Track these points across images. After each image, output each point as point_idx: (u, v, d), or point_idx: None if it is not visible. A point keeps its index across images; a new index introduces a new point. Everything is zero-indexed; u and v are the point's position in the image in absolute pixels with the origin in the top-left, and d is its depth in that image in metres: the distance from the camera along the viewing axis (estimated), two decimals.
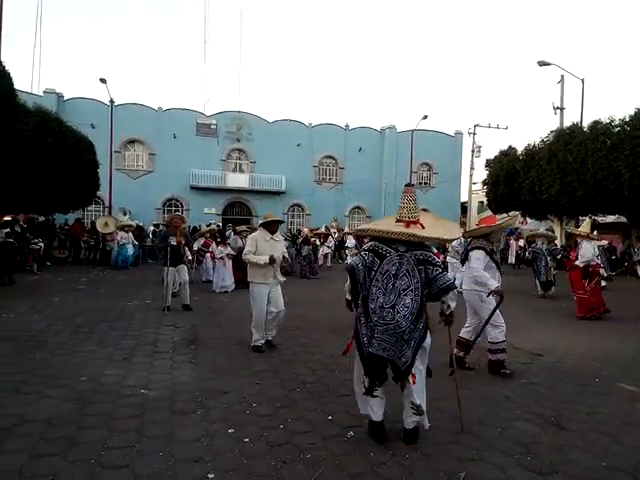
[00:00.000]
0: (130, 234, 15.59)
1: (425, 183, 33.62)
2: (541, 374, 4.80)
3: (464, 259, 4.98)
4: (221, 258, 10.72)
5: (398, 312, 3.02)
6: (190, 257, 11.32)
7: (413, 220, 3.31)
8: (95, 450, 2.94)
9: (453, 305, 3.16)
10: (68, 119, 17.41)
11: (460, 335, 5.00)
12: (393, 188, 31.50)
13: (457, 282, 11.54)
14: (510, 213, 20.29)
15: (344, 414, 3.60)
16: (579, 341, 6.43)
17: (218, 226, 16.21)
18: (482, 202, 30.61)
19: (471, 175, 32.26)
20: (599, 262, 8.99)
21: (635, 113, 15.72)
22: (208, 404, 3.75)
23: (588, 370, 4.98)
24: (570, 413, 3.76)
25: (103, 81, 21.83)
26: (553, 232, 21.57)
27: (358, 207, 32.57)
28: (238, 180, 29.71)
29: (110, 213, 22.54)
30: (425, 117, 28.18)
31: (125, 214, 22.21)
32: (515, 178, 21.61)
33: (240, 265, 10.20)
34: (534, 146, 21.05)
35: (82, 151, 16.47)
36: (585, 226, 8.83)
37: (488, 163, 25.30)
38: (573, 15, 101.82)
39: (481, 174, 28.36)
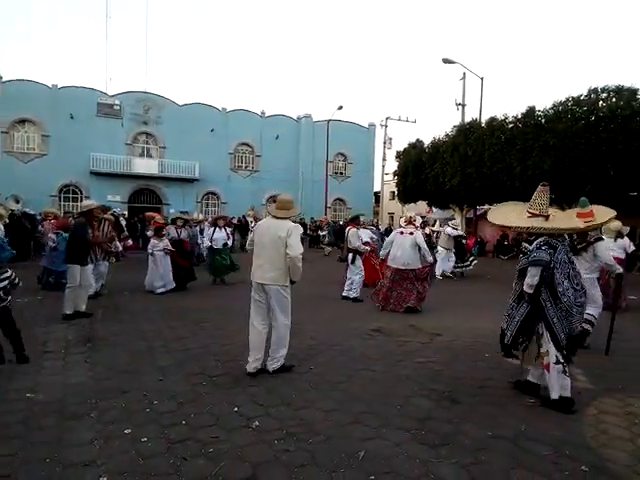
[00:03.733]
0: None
1: (341, 173, 34.36)
2: (438, 352, 5.14)
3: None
4: (152, 254, 8.83)
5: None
6: (120, 250, 10.14)
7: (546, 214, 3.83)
8: None
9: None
10: None
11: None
12: (310, 176, 31.80)
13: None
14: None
15: (251, 404, 3.57)
16: (474, 321, 6.97)
17: (114, 214, 13.99)
18: (393, 191, 32.09)
19: (383, 166, 33.60)
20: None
21: (527, 111, 17.31)
22: (103, 405, 3.51)
23: (480, 347, 5.41)
24: (462, 387, 4.07)
25: None
26: (455, 220, 23.11)
27: (275, 195, 32.35)
28: (146, 166, 28.09)
29: None
30: (340, 108, 28.71)
31: (17, 202, 20.07)
32: (422, 169, 22.86)
33: (178, 261, 9.14)
34: (439, 139, 22.38)
35: None
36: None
37: (398, 155, 26.48)
38: (475, 16, 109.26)
39: (392, 165, 29.59)
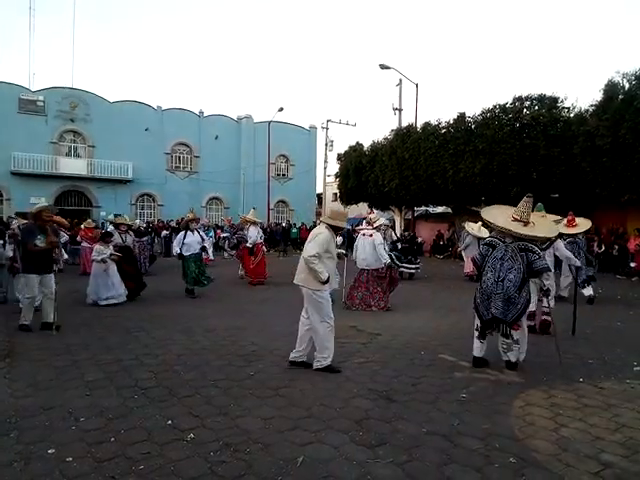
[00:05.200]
0: None
1: (283, 175, 34.27)
2: (377, 352, 5.24)
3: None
4: (103, 261, 7.99)
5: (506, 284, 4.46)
6: (65, 258, 9.22)
7: (526, 221, 4.60)
8: None
9: (547, 283, 5.11)
10: None
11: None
12: (252, 179, 31.42)
13: None
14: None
15: (185, 416, 3.44)
16: (413, 320, 7.19)
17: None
18: (335, 193, 32.46)
19: (325, 168, 33.90)
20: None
21: (457, 117, 18.17)
22: (24, 424, 3.24)
23: (417, 345, 5.58)
24: (399, 386, 4.16)
25: None
26: (394, 221, 23.75)
27: (216, 197, 31.75)
28: (74, 166, 26.42)
29: None
30: (281, 109, 28.61)
31: None
32: (362, 172, 23.33)
33: (125, 269, 8.28)
34: (378, 143, 22.94)
35: None
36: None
37: (339, 157, 26.83)
38: (411, 24, 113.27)
39: (334, 167, 29.94)
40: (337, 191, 29.69)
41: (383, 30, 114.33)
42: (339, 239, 8.75)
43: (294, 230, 26.83)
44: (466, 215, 17.60)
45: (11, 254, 7.80)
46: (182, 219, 21.15)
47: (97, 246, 8.27)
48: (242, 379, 4.28)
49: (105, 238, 8.35)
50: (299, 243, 26.37)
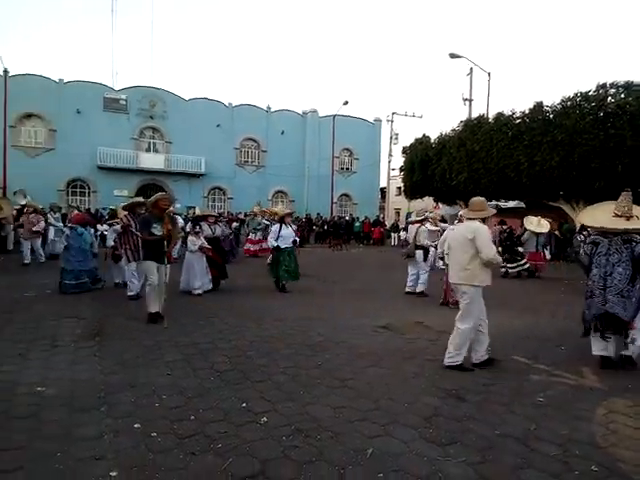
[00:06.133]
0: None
1: (347, 168, 34.29)
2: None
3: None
4: (190, 252, 8.31)
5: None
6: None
7: (629, 215, 4.56)
8: None
9: None
10: None
11: None
12: (316, 172, 31.75)
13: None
14: None
15: (259, 400, 3.58)
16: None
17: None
18: (399, 187, 32.00)
19: (389, 161, 33.45)
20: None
21: (534, 106, 17.15)
22: (112, 399, 3.53)
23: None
24: (470, 385, 4.05)
25: None
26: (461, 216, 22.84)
27: (281, 191, 32.45)
28: (153, 161, 28.20)
29: (5, 194, 20.30)
30: (346, 103, 28.57)
31: (25, 196, 20.14)
32: (428, 165, 22.75)
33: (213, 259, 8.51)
34: (446, 135, 22.24)
35: None
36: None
37: (404, 150, 26.34)
38: (483, 10, 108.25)
39: (399, 160, 29.46)
40: (401, 185, 29.22)
41: (453, 18, 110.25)
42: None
43: (357, 224, 26.79)
44: (541, 210, 16.63)
45: (112, 243, 8.44)
46: (226, 213, 21.95)
47: (190, 237, 8.60)
48: (310, 368, 4.38)
49: (195, 230, 8.57)
50: (362, 237, 26.33)
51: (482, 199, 4.74)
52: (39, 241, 12.58)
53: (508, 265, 11.84)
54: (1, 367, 4.13)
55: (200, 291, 8.18)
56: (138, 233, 7.29)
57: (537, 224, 11.74)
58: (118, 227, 7.84)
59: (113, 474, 2.53)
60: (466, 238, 4.42)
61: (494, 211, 5.12)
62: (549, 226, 12.40)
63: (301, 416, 3.31)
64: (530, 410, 3.57)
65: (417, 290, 8.81)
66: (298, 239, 9.44)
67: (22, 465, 2.57)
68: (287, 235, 8.97)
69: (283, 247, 8.86)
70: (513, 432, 3.18)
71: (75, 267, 7.98)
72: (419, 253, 8.77)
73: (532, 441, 3.06)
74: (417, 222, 9.01)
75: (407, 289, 8.96)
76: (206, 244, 8.42)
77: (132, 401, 3.52)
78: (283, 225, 9.10)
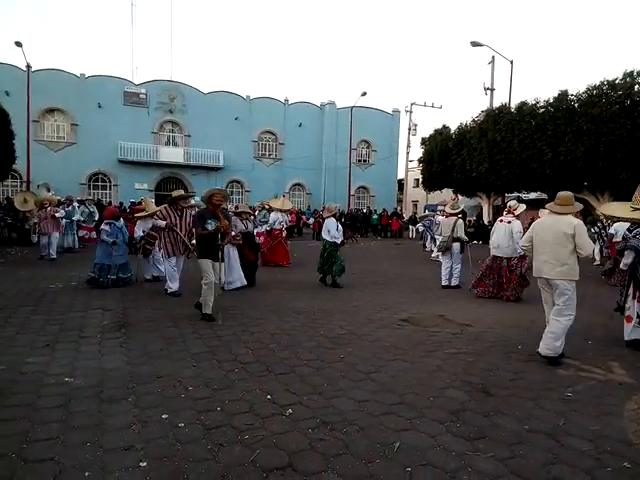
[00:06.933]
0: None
1: (364, 160, 34.08)
2: (469, 343, 5.06)
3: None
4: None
5: None
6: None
7: None
8: (16, 443, 2.73)
9: None
10: None
11: None
12: (333, 164, 31.65)
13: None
14: None
15: (283, 392, 3.59)
16: (506, 312, 6.85)
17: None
18: (417, 179, 31.67)
19: (408, 153, 33.12)
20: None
21: (558, 95, 16.73)
22: (140, 390, 3.58)
23: (512, 338, 5.32)
24: (496, 379, 4.00)
25: (19, 45, 19.73)
26: (481, 208, 22.70)
27: (299, 184, 32.46)
28: (172, 154, 28.50)
29: (29, 188, 20.78)
30: (364, 94, 28.31)
31: (49, 190, 20.60)
32: (448, 156, 22.45)
33: (247, 254, 8.23)
34: (466, 125, 21.88)
35: None
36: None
37: (423, 141, 26.04)
38: None
39: (417, 152, 29.14)
40: (419, 177, 28.93)
41: (474, 5, 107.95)
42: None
43: (374, 216, 26.63)
44: None
45: (141, 234, 8.46)
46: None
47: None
48: (333, 361, 4.37)
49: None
50: (379, 230, 26.16)
51: (570, 193, 4.69)
52: (56, 235, 11.94)
53: None
54: (30, 358, 4.22)
55: (231, 287, 7.83)
56: (177, 229, 7.35)
57: None
58: (162, 223, 7.40)
59: (143, 464, 2.56)
60: (565, 233, 4.39)
61: (582, 206, 5.09)
62: None
63: (326, 409, 3.30)
64: (559, 405, 3.50)
65: (452, 284, 8.82)
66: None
67: (52, 456, 2.62)
68: (339, 231, 8.84)
69: (336, 242, 8.70)
70: (542, 427, 3.12)
71: (117, 261, 7.93)
72: (456, 245, 8.81)
73: (562, 436, 3.00)
74: (453, 215, 8.96)
75: (443, 282, 8.90)
76: (236, 239, 7.97)
77: (159, 392, 3.56)
78: (332, 220, 8.83)
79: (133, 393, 3.53)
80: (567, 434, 3.04)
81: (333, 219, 8.90)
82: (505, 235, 7.62)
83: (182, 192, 8.01)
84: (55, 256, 11.67)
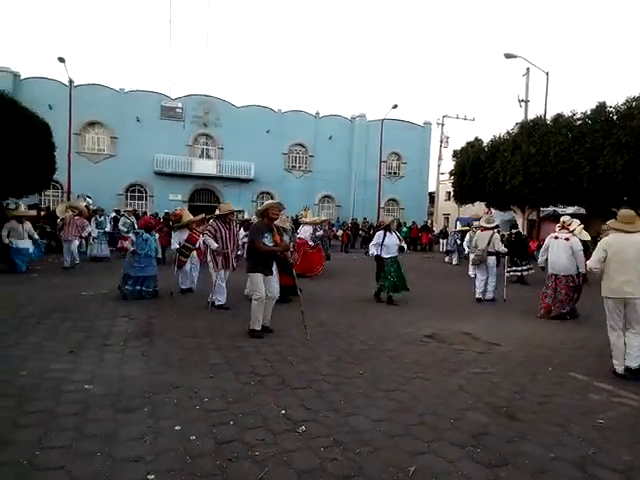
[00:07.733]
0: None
1: (394, 173, 33.85)
2: (496, 363, 4.86)
3: None
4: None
5: None
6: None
7: None
8: (29, 450, 2.77)
9: None
10: (24, 99, 16.46)
11: None
12: (362, 177, 31.59)
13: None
14: None
15: (298, 407, 3.52)
16: (535, 330, 6.57)
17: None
18: (449, 192, 31.18)
19: (439, 165, 32.75)
20: None
21: (596, 107, 16.13)
22: (156, 400, 3.59)
23: (541, 359, 5.07)
24: (522, 403, 3.80)
25: (62, 60, 20.72)
26: (515, 222, 22.11)
27: (328, 196, 32.52)
28: (205, 166, 29.16)
29: (69, 198, 21.62)
30: (395, 106, 28.21)
31: (85, 199, 21.35)
32: (480, 169, 21.96)
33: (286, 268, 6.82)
34: (499, 137, 21.41)
35: (36, 132, 15.60)
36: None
37: (455, 154, 25.61)
38: (540, 9, 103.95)
39: (448, 164, 28.74)
40: (451, 190, 28.43)
41: (508, 17, 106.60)
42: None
43: (404, 229, 26.28)
44: (602, 216, 15.61)
45: (177, 246, 8.52)
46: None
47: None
48: (352, 377, 4.27)
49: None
50: (408, 243, 25.75)
51: (632, 211, 4.76)
52: (76, 242, 12.34)
53: (515, 268, 11.86)
54: (54, 364, 4.30)
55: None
56: (228, 242, 7.24)
57: (579, 233, 10.89)
58: (213, 244, 7.13)
59: (151, 477, 2.54)
60: None
61: None
62: (588, 235, 11.57)
63: (341, 427, 3.21)
64: (589, 432, 3.29)
65: (486, 298, 8.86)
66: (405, 245, 8.87)
67: (63, 465, 2.63)
68: (391, 244, 8.35)
69: (387, 257, 8.33)
70: (570, 456, 2.93)
71: (138, 274, 7.80)
72: (492, 259, 8.82)
73: (590, 466, 2.81)
74: (489, 229, 8.97)
75: (477, 295, 8.92)
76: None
77: (175, 402, 3.56)
78: (388, 233, 8.40)
79: (149, 403, 3.53)
80: (596, 464, 2.84)
81: (381, 232, 8.50)
82: (564, 252, 7.38)
83: (231, 206, 7.80)
84: (69, 265, 11.89)
